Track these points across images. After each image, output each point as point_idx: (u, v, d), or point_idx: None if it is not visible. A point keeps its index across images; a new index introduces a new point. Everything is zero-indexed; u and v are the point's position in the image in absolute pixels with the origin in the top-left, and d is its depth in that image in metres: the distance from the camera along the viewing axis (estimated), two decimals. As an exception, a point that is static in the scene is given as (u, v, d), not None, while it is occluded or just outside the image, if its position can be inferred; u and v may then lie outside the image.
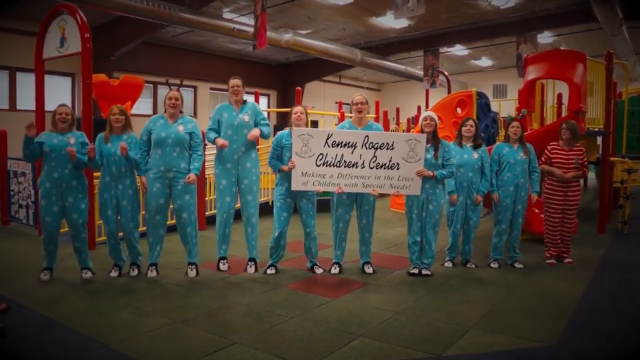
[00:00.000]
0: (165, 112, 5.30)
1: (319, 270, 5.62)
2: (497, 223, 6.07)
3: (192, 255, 5.37)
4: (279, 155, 5.41)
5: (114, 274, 5.39)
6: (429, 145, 5.38)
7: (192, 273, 5.31)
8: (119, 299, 4.77)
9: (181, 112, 5.31)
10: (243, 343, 3.80)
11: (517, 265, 6.00)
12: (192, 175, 5.13)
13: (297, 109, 5.46)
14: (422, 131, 5.42)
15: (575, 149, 6.06)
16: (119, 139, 5.22)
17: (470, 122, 5.99)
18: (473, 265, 6.02)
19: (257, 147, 5.72)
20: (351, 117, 5.63)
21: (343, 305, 4.67)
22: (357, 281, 5.29)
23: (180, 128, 5.15)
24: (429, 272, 5.55)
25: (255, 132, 5.29)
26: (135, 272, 5.41)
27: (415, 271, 5.56)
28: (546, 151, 6.14)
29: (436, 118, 5.48)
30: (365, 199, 5.49)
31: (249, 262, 5.57)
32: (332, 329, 4.09)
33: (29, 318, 4.27)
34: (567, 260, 6.19)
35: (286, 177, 5.40)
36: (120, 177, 5.23)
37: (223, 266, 5.46)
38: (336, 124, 14.03)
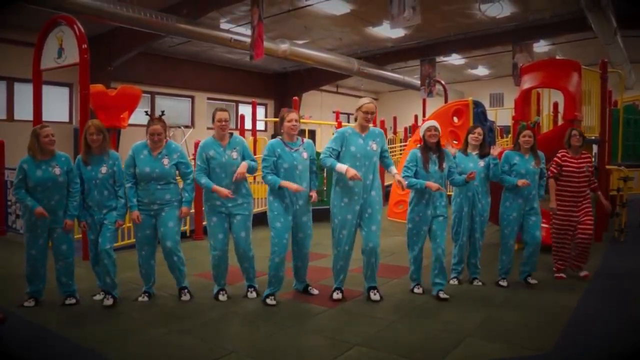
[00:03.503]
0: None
1: (315, 292, 5.21)
2: (504, 238, 5.66)
3: (181, 281, 5.09)
4: (274, 166, 4.85)
5: (98, 297, 5.01)
6: (434, 156, 5.11)
7: (186, 297, 5.03)
8: (114, 308, 4.76)
9: (166, 139, 4.99)
10: (239, 352, 3.80)
11: (531, 280, 5.57)
12: (184, 209, 4.96)
13: (292, 115, 4.90)
14: (425, 142, 5.14)
15: (584, 157, 5.79)
16: (100, 160, 4.84)
17: (479, 129, 5.66)
18: (480, 283, 5.63)
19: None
20: (353, 125, 5.08)
21: (339, 314, 4.67)
22: (353, 290, 5.29)
23: (165, 162, 4.86)
24: (447, 296, 5.05)
25: (243, 168, 4.88)
26: (110, 302, 4.82)
27: (420, 290, 5.27)
28: (557, 159, 5.82)
29: (439, 128, 5.18)
30: (373, 218, 4.89)
31: (249, 289, 5.19)
32: (328, 338, 4.09)
33: (24, 327, 4.26)
34: (583, 273, 5.83)
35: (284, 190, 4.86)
36: (103, 201, 4.85)
37: (222, 297, 5.08)
38: (333, 133, 14.12)
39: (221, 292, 5.12)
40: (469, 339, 4.05)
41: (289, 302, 4.98)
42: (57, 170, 4.70)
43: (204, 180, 4.89)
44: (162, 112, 5.19)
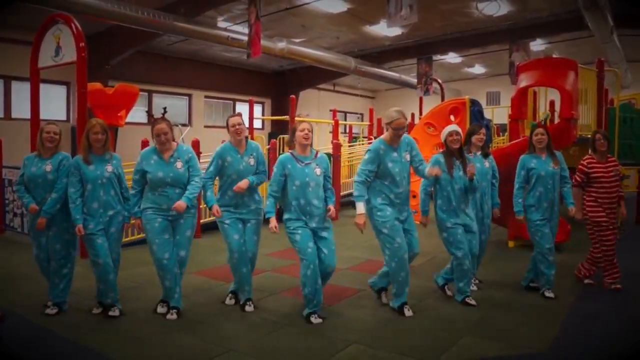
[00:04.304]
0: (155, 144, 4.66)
1: (317, 321, 4.47)
2: (538, 244, 5.19)
3: (177, 300, 4.62)
4: (281, 187, 4.56)
5: (96, 310, 4.66)
6: (458, 162, 4.88)
7: (172, 317, 4.52)
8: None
9: (174, 141, 4.71)
10: (238, 350, 3.82)
11: (548, 294, 5.12)
12: (181, 204, 4.44)
13: (304, 125, 4.58)
14: (447, 147, 4.90)
15: (610, 161, 5.42)
16: (102, 160, 4.57)
17: (483, 130, 5.41)
18: (477, 281, 5.50)
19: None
20: (383, 136, 4.73)
21: (338, 312, 4.70)
22: (351, 288, 5.31)
23: (179, 165, 4.55)
24: (474, 303, 4.87)
25: (244, 184, 4.66)
26: (116, 313, 4.54)
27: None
28: (582, 167, 5.43)
29: (461, 132, 4.89)
30: (412, 224, 4.72)
31: (247, 302, 4.79)
32: (326, 336, 4.11)
33: (24, 327, 4.27)
34: (615, 285, 5.42)
35: (297, 205, 4.51)
36: (110, 201, 4.57)
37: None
38: (330, 132, 14.14)
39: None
40: (467, 337, 4.08)
41: (288, 300, 5.00)
42: (49, 168, 4.55)
43: (210, 192, 4.72)
44: (164, 109, 5.08)
